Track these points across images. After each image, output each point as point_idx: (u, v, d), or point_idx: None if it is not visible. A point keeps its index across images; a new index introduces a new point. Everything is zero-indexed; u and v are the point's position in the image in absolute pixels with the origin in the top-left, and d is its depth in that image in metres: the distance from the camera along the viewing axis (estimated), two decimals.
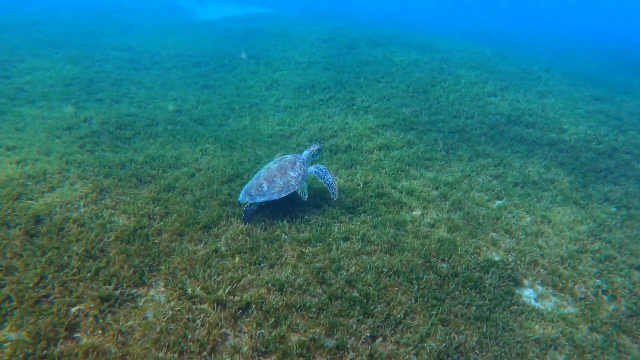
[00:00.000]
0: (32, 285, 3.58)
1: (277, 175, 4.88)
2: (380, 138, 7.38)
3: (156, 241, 4.40)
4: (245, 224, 4.78)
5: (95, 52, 13.17)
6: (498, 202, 5.81)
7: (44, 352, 3.02)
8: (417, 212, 5.39)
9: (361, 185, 5.89)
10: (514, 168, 6.68)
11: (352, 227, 4.92)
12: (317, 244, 4.60)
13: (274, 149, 7.02)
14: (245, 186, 4.98)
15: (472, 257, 4.58)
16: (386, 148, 7.02)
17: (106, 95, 9.48)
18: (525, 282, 4.37)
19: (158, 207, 5.00)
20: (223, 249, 4.42)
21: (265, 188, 4.78)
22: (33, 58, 11.89)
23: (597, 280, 4.48)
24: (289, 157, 5.19)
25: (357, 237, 4.72)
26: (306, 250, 4.50)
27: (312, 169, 5.29)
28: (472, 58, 12.46)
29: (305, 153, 5.46)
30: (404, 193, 5.75)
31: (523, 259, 4.64)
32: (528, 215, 5.54)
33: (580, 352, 3.56)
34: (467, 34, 20.90)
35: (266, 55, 12.94)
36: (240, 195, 4.86)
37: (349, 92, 9.56)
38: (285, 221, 4.88)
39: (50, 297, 3.51)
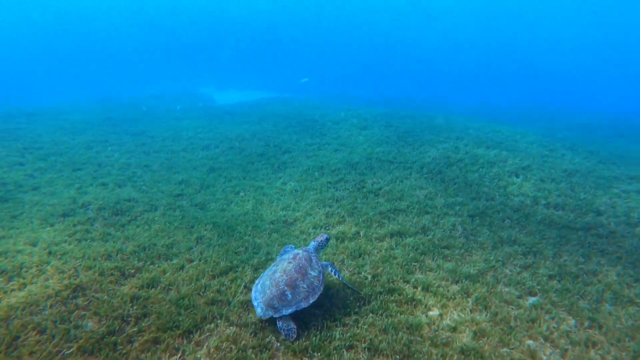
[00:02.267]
0: None
1: (299, 278, 4.38)
2: (391, 224, 7.00)
3: (125, 351, 3.91)
4: (292, 341, 4.14)
5: (110, 137, 13.87)
6: (532, 300, 5.13)
7: None
8: (434, 312, 4.78)
9: (369, 279, 5.38)
10: (546, 257, 6.07)
11: (358, 331, 4.33)
12: (315, 353, 4.01)
13: (275, 237, 6.70)
14: (258, 295, 4.39)
15: None
16: (398, 235, 6.60)
17: (111, 179, 9.65)
18: None
19: (136, 307, 4.59)
20: None
21: (290, 296, 4.27)
22: (51, 145, 12.53)
23: None
24: (300, 252, 4.74)
25: (363, 346, 4.12)
26: None
27: (326, 265, 4.87)
28: (490, 137, 12.46)
29: (313, 245, 5.08)
30: (418, 288, 5.19)
31: None
32: (571, 317, 4.82)
33: None
34: (482, 113, 21.39)
35: (275, 137, 13.32)
36: (258, 309, 4.26)
37: (359, 174, 9.44)
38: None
39: None
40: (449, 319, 4.66)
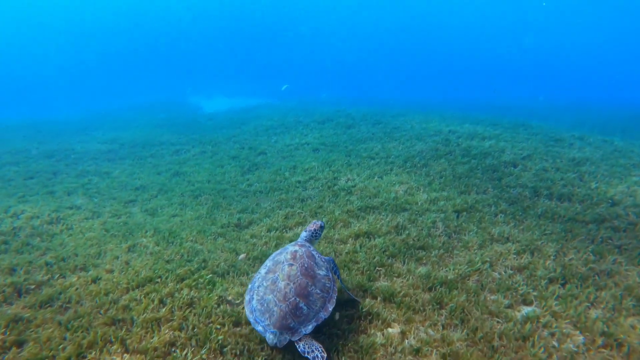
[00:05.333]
0: None
1: (309, 283, 3.41)
2: (359, 223, 6.00)
3: None
4: None
5: (76, 146, 13.16)
6: (525, 310, 4.05)
7: None
8: (394, 330, 3.74)
9: None
10: (547, 256, 4.98)
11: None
12: None
13: (220, 242, 5.75)
14: (261, 316, 3.31)
15: None
16: (365, 236, 5.58)
17: (62, 187, 8.86)
18: None
19: (9, 333, 3.65)
20: None
21: (305, 308, 3.29)
22: (8, 155, 11.88)
23: None
24: (297, 249, 3.70)
25: None
26: None
27: (330, 259, 3.94)
28: (487, 129, 11.41)
29: (304, 235, 4.16)
30: (378, 298, 4.16)
31: None
32: (578, 332, 3.72)
33: None
34: (482, 109, 20.30)
35: (253, 139, 12.47)
36: (270, 336, 3.19)
37: (333, 172, 8.48)
38: (186, 351, 3.38)
39: None
40: (413, 338, 3.62)
